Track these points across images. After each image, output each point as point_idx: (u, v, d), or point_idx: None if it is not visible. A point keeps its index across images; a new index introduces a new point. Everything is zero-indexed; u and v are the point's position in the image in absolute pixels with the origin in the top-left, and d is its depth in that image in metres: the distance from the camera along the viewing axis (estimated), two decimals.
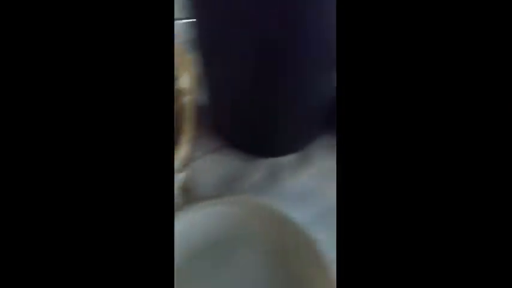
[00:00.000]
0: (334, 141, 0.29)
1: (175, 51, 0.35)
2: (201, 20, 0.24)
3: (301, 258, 0.23)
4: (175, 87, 0.35)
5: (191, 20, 0.25)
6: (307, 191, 0.27)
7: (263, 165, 0.29)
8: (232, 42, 0.23)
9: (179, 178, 0.27)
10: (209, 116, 0.32)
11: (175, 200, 0.27)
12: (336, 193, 0.14)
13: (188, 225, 0.25)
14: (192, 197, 0.28)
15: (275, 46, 0.22)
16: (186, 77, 0.31)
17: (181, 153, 0.27)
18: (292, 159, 0.29)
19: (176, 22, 0.33)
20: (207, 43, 0.25)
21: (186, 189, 0.29)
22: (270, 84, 0.24)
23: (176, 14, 0.22)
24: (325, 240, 0.21)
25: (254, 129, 0.29)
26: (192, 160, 0.30)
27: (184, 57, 0.32)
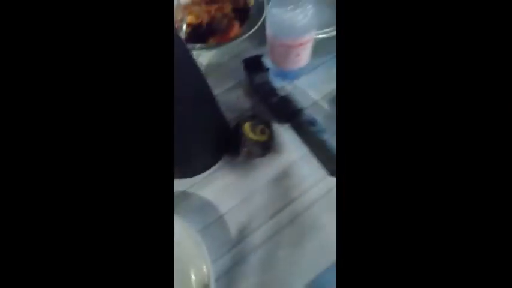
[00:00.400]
0: (229, 161, 0.39)
1: None
2: None
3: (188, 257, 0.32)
4: None
5: None
6: (208, 203, 0.37)
7: (180, 184, 0.39)
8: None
9: None
10: None
11: None
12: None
13: None
14: None
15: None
16: None
17: None
18: (199, 180, 0.39)
19: None
20: None
21: None
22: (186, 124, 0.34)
23: None
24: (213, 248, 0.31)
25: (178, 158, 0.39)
26: None
27: None
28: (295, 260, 0.32)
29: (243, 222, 0.35)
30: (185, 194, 0.38)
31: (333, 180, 0.36)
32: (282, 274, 0.32)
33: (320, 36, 0.47)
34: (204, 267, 0.30)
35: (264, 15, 0.49)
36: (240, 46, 0.50)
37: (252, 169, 0.39)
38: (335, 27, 0.48)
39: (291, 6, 0.34)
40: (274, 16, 0.36)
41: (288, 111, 0.38)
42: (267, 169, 0.38)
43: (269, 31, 0.38)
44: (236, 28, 0.51)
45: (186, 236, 0.32)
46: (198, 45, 0.49)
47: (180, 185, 0.38)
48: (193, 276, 0.31)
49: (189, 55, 0.30)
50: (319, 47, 0.47)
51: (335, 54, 0.48)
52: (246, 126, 0.37)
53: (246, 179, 0.38)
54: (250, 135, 0.37)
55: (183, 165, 0.39)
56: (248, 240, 0.34)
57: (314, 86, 0.45)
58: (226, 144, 0.39)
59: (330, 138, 0.34)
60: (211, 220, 0.35)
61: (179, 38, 0.26)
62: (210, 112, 0.36)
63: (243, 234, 0.34)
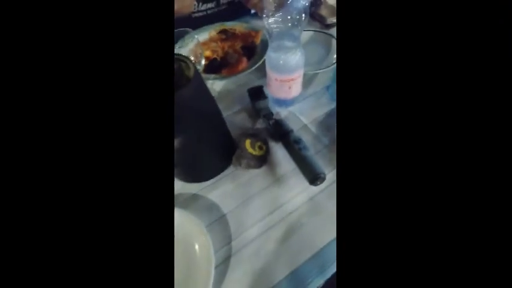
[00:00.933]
0: (232, 171, 0.48)
1: None
2: None
3: (201, 254, 0.40)
4: None
5: None
6: (213, 204, 0.46)
7: (193, 187, 0.47)
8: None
9: None
10: None
11: None
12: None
13: None
14: None
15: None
16: None
17: None
18: (209, 184, 0.48)
19: None
20: None
21: None
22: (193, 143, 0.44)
23: None
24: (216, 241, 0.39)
25: (186, 167, 0.48)
26: None
27: None
28: (281, 252, 0.40)
29: (241, 221, 0.43)
30: (195, 196, 0.46)
31: (314, 189, 0.44)
32: (270, 264, 0.39)
33: (311, 72, 0.57)
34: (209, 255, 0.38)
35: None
36: (246, 77, 0.61)
37: (250, 178, 0.47)
38: (324, 65, 0.58)
39: (284, 51, 0.44)
40: (271, 58, 0.46)
41: (281, 132, 0.47)
42: (262, 179, 0.47)
43: (267, 68, 0.49)
44: (244, 63, 0.62)
45: (197, 231, 0.41)
46: (212, 76, 0.60)
47: (192, 188, 0.47)
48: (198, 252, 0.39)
49: (205, 85, 0.39)
50: (310, 80, 0.56)
51: (324, 86, 0.58)
52: (247, 143, 0.46)
53: (245, 186, 0.47)
54: (250, 150, 0.46)
55: (195, 172, 0.48)
56: (244, 236, 0.42)
57: (304, 112, 0.54)
58: (230, 156, 0.48)
59: (312, 155, 0.42)
60: (215, 218, 0.44)
61: (197, 71, 0.36)
62: (220, 130, 0.46)
63: (240, 231, 0.42)
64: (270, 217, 0.43)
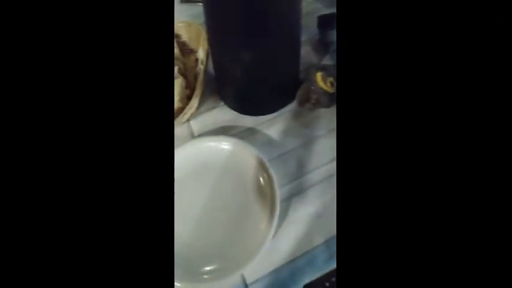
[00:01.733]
0: (295, 108, 0.43)
1: (195, 30, 0.46)
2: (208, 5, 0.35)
3: (263, 187, 0.36)
4: (194, 57, 0.46)
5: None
6: (272, 140, 0.41)
7: (248, 121, 0.42)
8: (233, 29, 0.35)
9: None
10: (214, 82, 0.44)
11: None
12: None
13: (192, 151, 0.38)
14: None
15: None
16: (202, 51, 0.43)
17: (192, 106, 0.39)
18: (267, 119, 0.42)
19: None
20: (214, 25, 0.37)
21: None
22: (257, 64, 0.37)
23: None
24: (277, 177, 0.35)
25: (244, 95, 0.42)
26: (198, 112, 0.43)
27: (201, 35, 0.44)
28: None
29: (303, 162, 0.39)
30: (252, 130, 0.41)
31: None
32: (332, 212, 0.35)
33: None
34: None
35: None
36: (312, 5, 0.52)
37: (314, 118, 0.42)
38: None
39: None
40: None
41: None
42: (328, 120, 0.41)
43: None
44: None
45: (260, 164, 0.36)
46: None
47: (246, 122, 0.42)
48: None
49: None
50: None
51: None
52: (318, 76, 0.40)
53: (308, 125, 0.41)
54: (321, 84, 0.40)
55: (253, 102, 0.42)
56: (307, 178, 0.38)
57: None
58: (293, 91, 0.42)
59: None
60: (274, 156, 0.39)
61: None
62: (291, 55, 0.39)
63: (302, 172, 0.38)
64: (335, 163, 0.38)
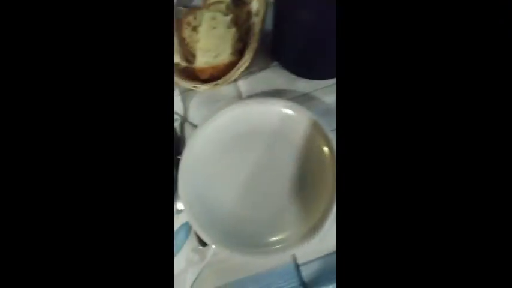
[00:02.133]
0: None
1: None
2: None
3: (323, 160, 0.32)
4: (247, 9, 0.41)
5: None
6: (330, 109, 0.36)
7: (304, 85, 0.37)
8: None
9: None
10: (269, 39, 0.39)
11: None
12: None
13: (239, 113, 0.34)
14: None
15: None
16: (256, 2, 0.37)
17: (245, 62, 0.34)
18: (323, 84, 0.37)
19: None
20: None
21: None
22: (319, 23, 0.31)
23: None
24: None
25: (301, 56, 0.36)
26: (248, 71, 0.38)
27: None
28: None
29: None
30: (309, 97, 0.36)
31: None
32: None
33: None
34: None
35: None
36: None
37: None
38: None
39: None
40: None
41: None
42: None
43: None
44: None
45: (322, 134, 0.32)
46: None
47: (301, 86, 0.37)
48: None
49: None
50: None
51: None
52: None
53: None
54: None
55: (311, 63, 0.37)
56: None
57: None
58: None
59: None
60: (333, 127, 0.34)
61: None
62: None
63: None
64: None
